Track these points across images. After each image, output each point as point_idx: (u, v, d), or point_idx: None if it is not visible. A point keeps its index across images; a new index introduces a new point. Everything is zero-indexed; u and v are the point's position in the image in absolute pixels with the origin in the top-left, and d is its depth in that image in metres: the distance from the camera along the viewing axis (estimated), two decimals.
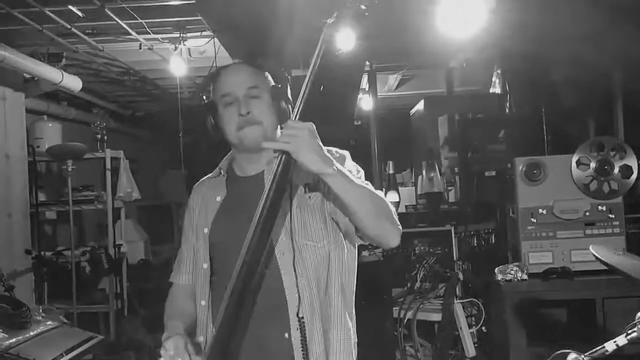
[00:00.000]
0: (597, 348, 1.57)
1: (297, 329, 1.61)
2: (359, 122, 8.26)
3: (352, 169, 1.71)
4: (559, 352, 1.65)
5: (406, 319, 3.68)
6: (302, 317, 1.61)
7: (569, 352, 1.59)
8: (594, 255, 1.66)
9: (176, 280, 1.90)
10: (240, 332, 1.63)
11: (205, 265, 1.77)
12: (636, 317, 1.56)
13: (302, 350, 1.60)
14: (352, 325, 1.73)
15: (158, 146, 8.95)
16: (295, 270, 1.63)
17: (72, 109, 6.44)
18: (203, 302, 1.76)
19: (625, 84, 4.85)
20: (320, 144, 1.48)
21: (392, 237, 1.59)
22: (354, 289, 1.77)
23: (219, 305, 1.61)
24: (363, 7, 1.67)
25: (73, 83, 4.95)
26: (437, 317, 3.66)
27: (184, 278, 1.88)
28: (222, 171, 1.85)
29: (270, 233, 1.55)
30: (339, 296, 1.68)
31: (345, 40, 1.68)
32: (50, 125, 5.74)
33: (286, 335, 1.63)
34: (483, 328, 3.61)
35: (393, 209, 1.64)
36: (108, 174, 5.68)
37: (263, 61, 1.80)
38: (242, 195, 1.75)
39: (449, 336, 3.60)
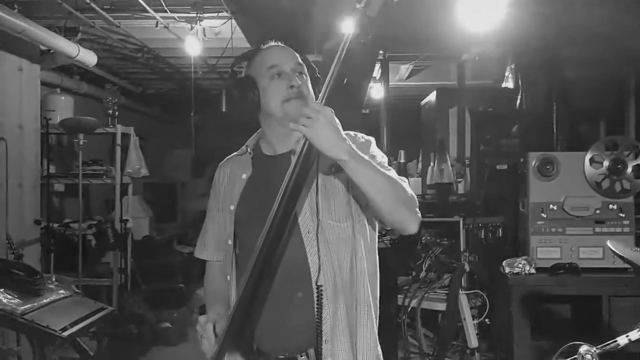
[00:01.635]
0: (610, 342, 1.59)
1: (316, 304, 1.62)
2: (367, 111, 8.26)
3: (377, 155, 1.73)
4: (571, 343, 1.67)
5: (410, 307, 3.72)
6: (321, 285, 1.62)
7: (582, 344, 1.61)
8: (612, 249, 1.69)
9: (203, 256, 1.94)
10: (260, 304, 1.66)
11: (230, 242, 1.79)
12: None
13: (316, 318, 1.61)
14: (374, 306, 1.74)
15: (166, 125, 8.98)
16: (318, 248, 1.65)
17: (84, 84, 6.46)
18: (228, 278, 1.80)
19: (639, 84, 4.86)
20: (339, 128, 1.51)
21: (409, 224, 1.61)
22: (378, 270, 1.79)
23: (240, 278, 1.67)
24: None
25: (88, 57, 4.96)
26: (441, 306, 3.69)
27: (214, 255, 1.92)
28: (248, 149, 1.86)
29: (294, 208, 1.57)
30: (364, 277, 1.70)
31: (370, 26, 1.69)
32: (63, 98, 5.76)
33: (308, 310, 1.64)
34: (486, 320, 3.64)
35: (414, 195, 1.65)
36: (118, 149, 5.72)
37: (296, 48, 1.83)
38: (269, 173, 1.76)
39: (453, 326, 3.65)
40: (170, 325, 5.54)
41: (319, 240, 1.65)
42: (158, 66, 6.69)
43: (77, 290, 3.21)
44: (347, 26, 1.64)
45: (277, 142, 1.80)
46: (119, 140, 5.72)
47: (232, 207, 1.81)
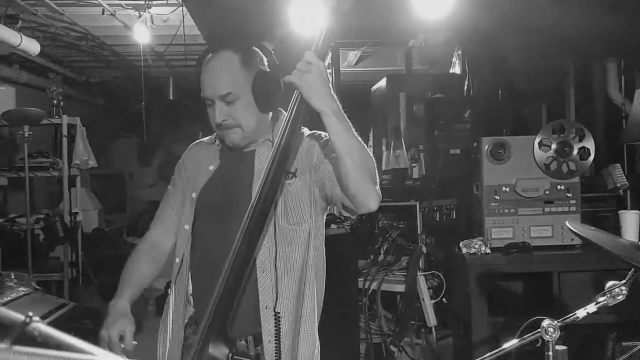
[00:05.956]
0: (570, 315, 1.70)
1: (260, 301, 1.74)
2: None
3: None
4: (534, 318, 1.77)
5: (370, 289, 3.81)
6: (267, 305, 1.74)
7: (544, 319, 1.71)
8: (571, 229, 1.80)
9: (153, 227, 1.96)
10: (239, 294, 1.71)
11: (187, 227, 1.84)
12: (605, 287, 1.70)
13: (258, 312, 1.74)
14: (319, 307, 1.83)
15: (110, 113, 8.77)
16: (269, 253, 1.73)
17: (24, 73, 6.24)
18: (177, 260, 1.84)
19: (577, 69, 5.09)
20: (329, 83, 1.57)
21: (371, 198, 1.63)
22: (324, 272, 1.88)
23: (196, 264, 1.78)
24: None
25: (32, 46, 4.81)
26: (400, 288, 3.80)
27: (161, 234, 1.93)
28: (217, 141, 1.90)
29: (271, 206, 1.62)
30: (312, 282, 1.78)
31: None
32: (3, 88, 5.58)
33: (254, 302, 1.75)
34: (443, 299, 3.77)
35: (376, 173, 1.70)
36: (64, 140, 5.58)
37: (242, 44, 1.81)
38: (234, 167, 1.82)
39: (412, 306, 3.76)
40: None
41: (269, 242, 1.72)
42: (102, 54, 6.53)
43: (37, 287, 3.15)
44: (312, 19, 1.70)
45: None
46: (65, 131, 5.59)
47: (193, 195, 1.85)
